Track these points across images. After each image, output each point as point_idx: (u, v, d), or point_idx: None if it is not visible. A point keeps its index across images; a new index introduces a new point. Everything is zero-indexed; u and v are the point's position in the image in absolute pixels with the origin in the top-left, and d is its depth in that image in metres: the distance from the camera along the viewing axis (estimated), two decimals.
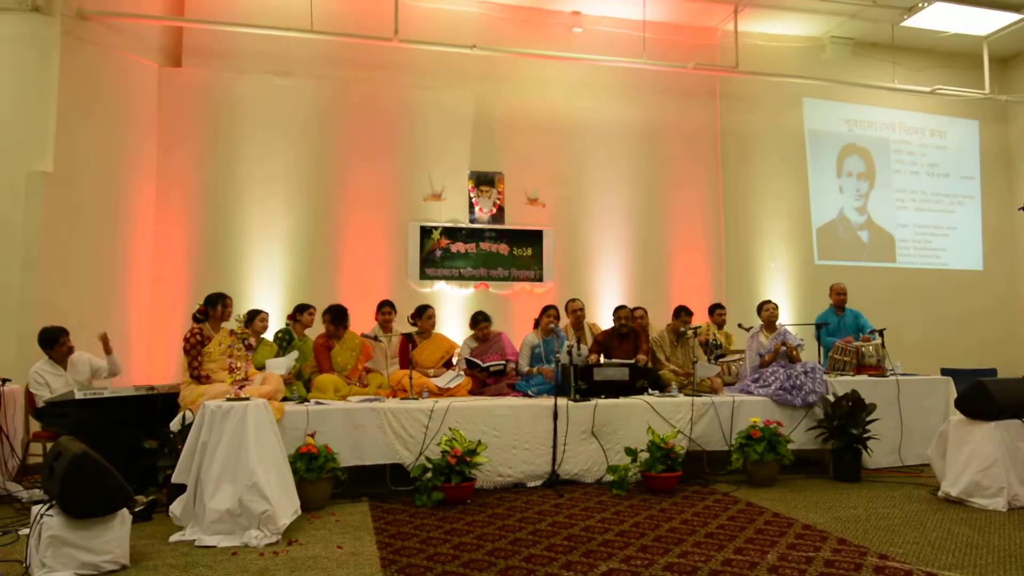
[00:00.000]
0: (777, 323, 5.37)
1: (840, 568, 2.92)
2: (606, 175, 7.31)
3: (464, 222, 6.90)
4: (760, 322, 5.43)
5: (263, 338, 5.10)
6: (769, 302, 5.45)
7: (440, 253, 6.82)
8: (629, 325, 5.47)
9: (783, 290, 7.59)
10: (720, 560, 3.03)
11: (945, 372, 6.59)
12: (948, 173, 8.55)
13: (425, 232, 6.78)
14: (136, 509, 3.42)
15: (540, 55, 6.92)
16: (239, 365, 3.67)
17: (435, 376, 4.96)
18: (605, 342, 5.43)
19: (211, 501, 3.31)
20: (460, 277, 6.84)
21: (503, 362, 5.14)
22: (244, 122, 6.44)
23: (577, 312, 5.57)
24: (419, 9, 6.77)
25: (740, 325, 5.79)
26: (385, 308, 5.26)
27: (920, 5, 7.09)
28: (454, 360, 5.27)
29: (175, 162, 6.26)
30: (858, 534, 3.43)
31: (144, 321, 6.04)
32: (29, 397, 4.59)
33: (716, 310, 6.28)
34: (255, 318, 4.94)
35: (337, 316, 4.92)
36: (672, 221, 7.46)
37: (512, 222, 7.01)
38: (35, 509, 2.92)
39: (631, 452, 4.36)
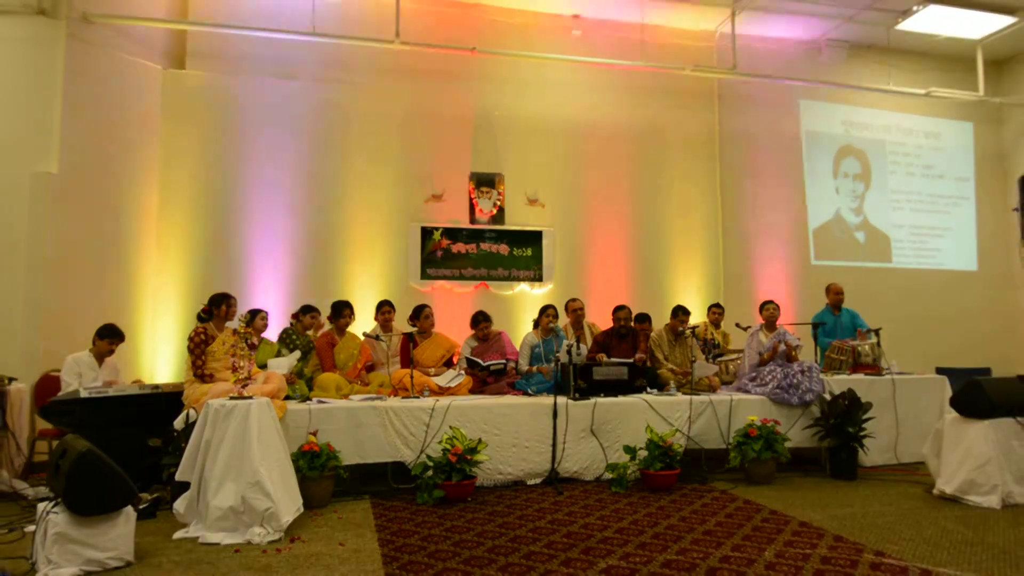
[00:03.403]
0: (777, 323, 5.41)
1: (836, 565, 2.96)
2: (605, 176, 7.36)
3: (464, 222, 6.94)
4: (760, 321, 5.48)
5: (263, 337, 5.14)
6: (770, 302, 5.50)
7: (441, 253, 6.85)
8: (628, 326, 5.52)
9: (780, 290, 7.63)
10: (718, 557, 3.07)
11: (940, 371, 6.64)
12: (943, 174, 8.61)
13: (426, 232, 6.82)
14: (140, 506, 3.45)
15: (540, 57, 6.96)
16: (242, 364, 3.70)
17: (436, 375, 4.99)
18: (604, 342, 5.47)
19: (214, 499, 3.34)
20: (460, 277, 6.88)
21: (503, 361, 5.17)
22: (247, 124, 6.48)
23: (577, 311, 5.61)
24: (420, 11, 6.81)
25: (738, 324, 5.83)
26: (384, 307, 5.31)
27: (915, 9, 7.14)
28: (455, 359, 5.30)
29: (178, 163, 6.29)
30: (854, 531, 3.46)
31: (148, 320, 6.07)
32: (37, 395, 4.63)
33: (712, 308, 6.34)
34: (255, 317, 4.99)
35: (349, 307, 5.10)
36: (670, 222, 7.50)
37: (512, 222, 7.05)
38: (41, 506, 2.95)
39: (630, 450, 4.40)
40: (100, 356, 4.57)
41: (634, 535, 3.40)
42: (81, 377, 4.41)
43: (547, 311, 5.39)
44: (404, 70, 6.83)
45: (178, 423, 3.95)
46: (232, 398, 3.55)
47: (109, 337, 4.56)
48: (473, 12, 7.04)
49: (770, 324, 5.39)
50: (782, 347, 5.21)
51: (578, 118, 7.31)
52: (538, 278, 7.07)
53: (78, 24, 5.55)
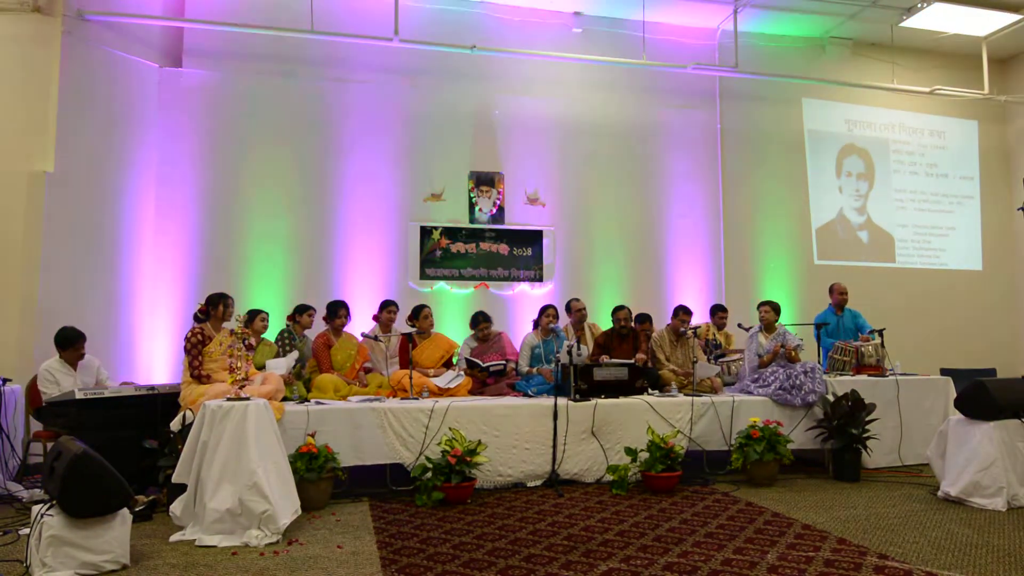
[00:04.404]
0: (776, 323, 5.35)
1: (840, 568, 2.93)
2: (606, 175, 7.32)
3: (464, 222, 6.90)
4: (759, 323, 5.43)
5: (263, 338, 5.11)
6: (764, 304, 5.40)
7: (440, 253, 6.82)
8: (628, 326, 5.48)
9: (782, 290, 7.59)
10: (720, 560, 3.04)
11: (944, 372, 6.60)
12: (947, 173, 8.56)
13: (425, 232, 6.79)
14: (136, 509, 3.42)
15: (540, 55, 6.92)
16: (239, 365, 3.67)
17: (435, 376, 4.96)
18: (605, 344, 5.44)
19: (211, 501, 3.32)
20: (460, 277, 6.84)
21: (503, 362, 5.14)
22: (244, 122, 6.44)
23: (580, 312, 5.57)
24: (419, 9, 6.78)
25: (740, 325, 5.79)
26: (390, 307, 5.28)
27: (919, 5, 7.10)
28: (454, 360, 5.27)
29: (175, 162, 6.26)
30: (858, 534, 3.43)
31: (144, 321, 6.04)
32: (31, 396, 4.60)
33: (718, 312, 6.29)
34: (255, 318, 4.96)
35: (345, 307, 5.07)
36: (672, 221, 7.46)
37: (512, 222, 7.02)
38: (35, 509, 2.92)
39: (631, 452, 4.37)
40: (73, 361, 4.48)
41: (635, 537, 3.37)
42: (59, 384, 4.33)
43: (547, 311, 5.36)
44: (403, 68, 6.80)
45: (175, 424, 3.93)
46: (229, 399, 3.52)
47: (72, 346, 4.41)
48: (472, 10, 7.00)
49: (768, 326, 5.33)
50: (782, 349, 5.16)
51: (578, 116, 7.27)
52: (538, 278, 7.03)
53: (74, 22, 5.52)
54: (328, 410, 4.18)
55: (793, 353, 5.15)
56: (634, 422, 4.64)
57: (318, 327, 5.22)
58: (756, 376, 5.16)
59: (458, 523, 3.63)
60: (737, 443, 4.60)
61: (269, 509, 3.30)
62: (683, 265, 7.43)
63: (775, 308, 5.35)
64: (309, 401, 4.33)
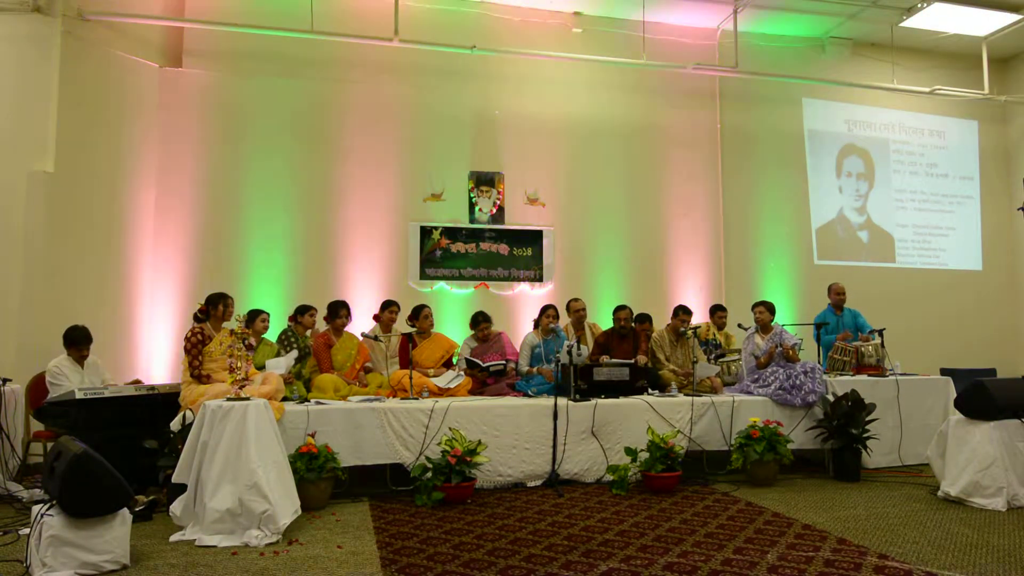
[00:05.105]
0: (773, 323, 5.33)
1: (840, 568, 2.93)
2: (606, 175, 7.32)
3: (464, 222, 6.90)
4: (754, 323, 5.42)
5: (263, 338, 5.11)
6: (758, 305, 5.38)
7: (440, 253, 6.82)
8: (629, 326, 5.48)
9: (782, 290, 7.59)
10: (720, 560, 3.04)
11: (944, 372, 6.60)
12: (947, 173, 8.56)
13: (425, 232, 6.79)
14: (136, 509, 3.43)
15: (540, 55, 6.92)
16: (239, 365, 3.67)
17: (435, 376, 4.96)
18: (605, 343, 5.44)
19: (211, 501, 3.32)
20: (460, 277, 6.85)
21: (503, 362, 5.14)
22: (244, 122, 6.45)
23: (579, 312, 5.57)
24: (419, 9, 6.78)
25: (740, 325, 5.79)
26: (392, 307, 5.29)
27: (919, 5, 7.10)
28: (454, 360, 5.27)
29: (175, 162, 6.26)
30: (858, 534, 3.43)
31: (144, 321, 6.04)
32: (31, 396, 4.60)
33: (717, 312, 6.29)
34: (256, 318, 4.96)
35: (346, 307, 5.07)
36: (672, 221, 7.47)
37: (512, 222, 7.02)
38: (35, 509, 2.92)
39: (631, 452, 4.37)
40: (79, 361, 4.52)
41: (635, 537, 3.37)
42: (69, 379, 4.35)
43: (547, 311, 5.36)
44: (403, 68, 6.80)
45: (175, 424, 3.92)
46: (229, 399, 3.52)
47: (77, 346, 4.48)
48: (472, 10, 7.00)
49: (764, 326, 5.31)
50: (778, 348, 5.15)
51: (578, 117, 7.27)
52: (538, 278, 7.03)
53: (74, 22, 5.53)
54: (328, 410, 4.18)
55: (791, 352, 5.14)
56: (634, 422, 4.64)
57: (320, 327, 5.22)
58: (756, 376, 5.15)
59: (458, 523, 3.63)
60: (737, 443, 4.60)
61: (269, 509, 3.31)
62: (683, 265, 7.43)
63: (770, 308, 5.34)
64: (309, 401, 4.33)
